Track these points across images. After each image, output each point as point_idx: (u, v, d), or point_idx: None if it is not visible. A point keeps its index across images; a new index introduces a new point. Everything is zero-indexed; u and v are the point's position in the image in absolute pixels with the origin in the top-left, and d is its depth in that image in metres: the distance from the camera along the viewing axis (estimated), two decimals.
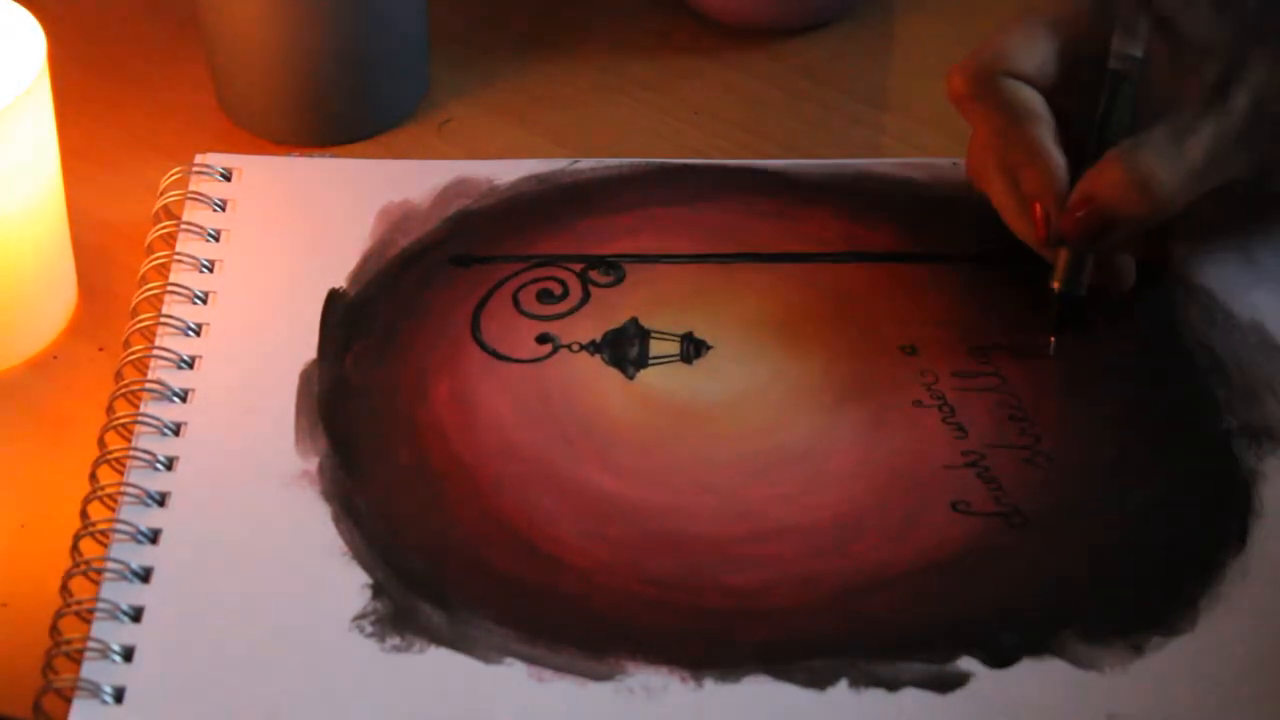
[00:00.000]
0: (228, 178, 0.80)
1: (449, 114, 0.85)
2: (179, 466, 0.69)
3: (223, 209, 0.79)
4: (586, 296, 0.76)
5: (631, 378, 0.73)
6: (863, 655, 0.64)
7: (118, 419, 0.71)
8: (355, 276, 0.76)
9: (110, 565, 0.66)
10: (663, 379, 0.73)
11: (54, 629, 0.64)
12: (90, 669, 0.63)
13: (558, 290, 0.76)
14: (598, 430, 0.71)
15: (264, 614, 0.65)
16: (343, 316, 0.75)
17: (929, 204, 0.79)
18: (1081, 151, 0.72)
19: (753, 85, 0.86)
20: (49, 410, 0.73)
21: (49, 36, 0.72)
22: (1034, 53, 0.73)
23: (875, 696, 0.63)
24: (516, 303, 0.76)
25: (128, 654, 0.64)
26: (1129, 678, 0.63)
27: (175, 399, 0.72)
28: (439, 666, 0.64)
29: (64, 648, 0.64)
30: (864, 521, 0.68)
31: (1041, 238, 0.72)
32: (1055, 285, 0.73)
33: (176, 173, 0.80)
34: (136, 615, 0.65)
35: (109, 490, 0.68)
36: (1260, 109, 0.71)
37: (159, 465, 0.69)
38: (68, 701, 0.63)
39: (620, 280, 0.76)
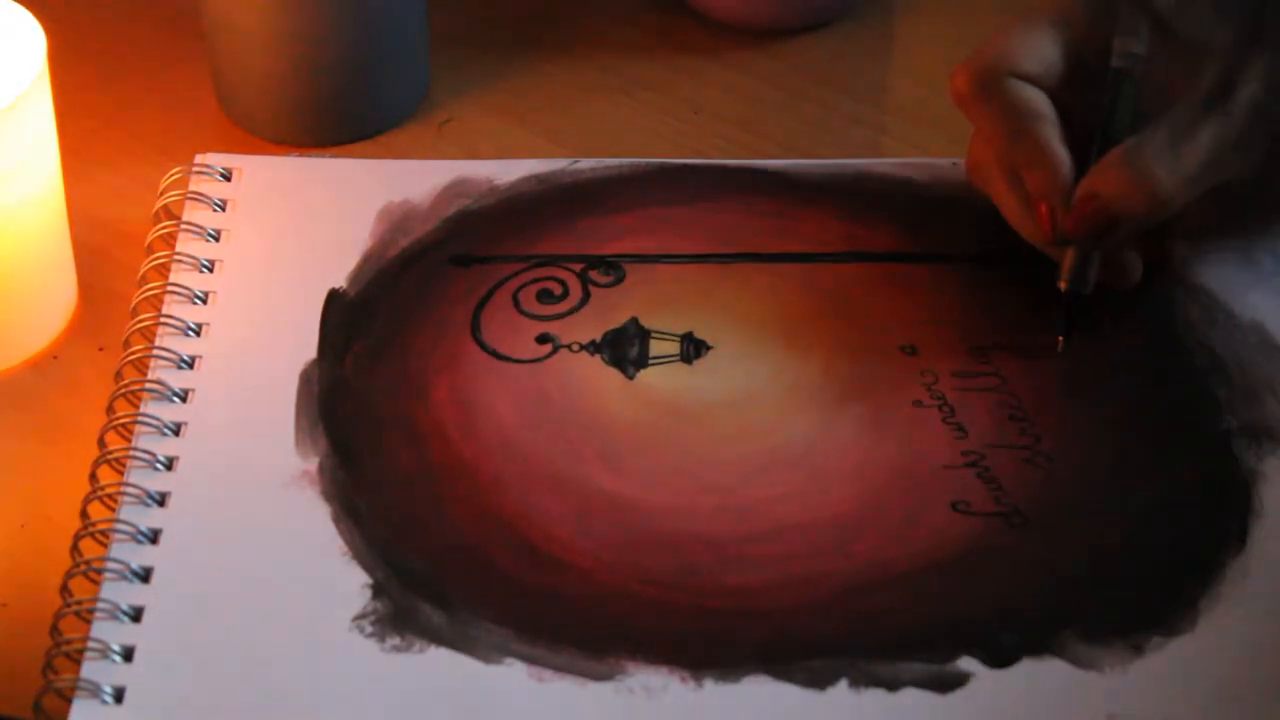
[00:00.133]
0: (228, 178, 0.80)
1: (449, 114, 0.85)
2: (179, 466, 0.69)
3: (223, 209, 0.79)
4: (586, 296, 0.76)
5: (631, 378, 0.73)
6: (863, 655, 0.64)
7: (118, 419, 0.71)
8: (355, 276, 0.76)
9: (110, 565, 0.66)
10: (663, 379, 0.73)
11: (54, 629, 0.64)
12: (90, 669, 0.63)
13: (558, 290, 0.76)
14: (598, 430, 0.71)
15: (264, 614, 0.65)
16: (343, 316, 0.75)
17: (929, 204, 0.79)
18: (1084, 150, 0.72)
19: (753, 85, 0.86)
20: (49, 410, 0.73)
21: (49, 36, 0.72)
22: (1038, 52, 0.73)
23: (875, 696, 0.63)
24: (516, 303, 0.76)
25: (128, 654, 0.64)
26: (1129, 678, 0.63)
27: (175, 399, 0.72)
28: (439, 666, 0.64)
29: (64, 648, 0.64)
30: (864, 521, 0.68)
31: (1048, 237, 0.72)
32: (1062, 285, 0.73)
33: (176, 173, 0.80)
34: (136, 615, 0.65)
35: (109, 490, 0.68)
36: (1260, 109, 0.71)
37: (159, 465, 0.69)
38: (68, 701, 0.63)
39: (620, 280, 0.76)
